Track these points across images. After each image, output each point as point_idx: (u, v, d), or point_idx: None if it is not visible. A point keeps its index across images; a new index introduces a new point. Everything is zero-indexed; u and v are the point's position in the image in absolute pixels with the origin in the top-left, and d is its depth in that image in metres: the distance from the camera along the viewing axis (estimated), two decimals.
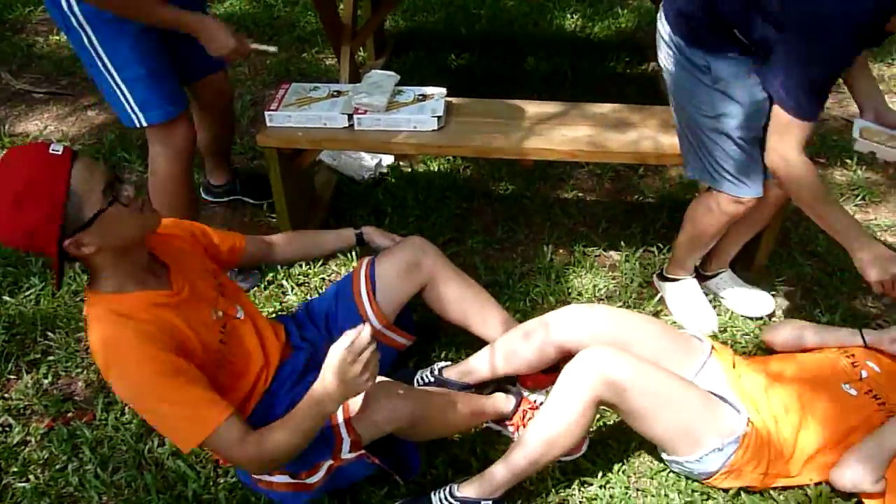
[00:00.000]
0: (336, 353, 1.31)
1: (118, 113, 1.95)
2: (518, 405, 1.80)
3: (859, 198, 2.77)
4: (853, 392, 1.68)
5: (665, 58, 1.89)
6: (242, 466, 1.49)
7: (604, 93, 2.43)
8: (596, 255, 2.47)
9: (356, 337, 1.32)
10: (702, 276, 2.29)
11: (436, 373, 1.90)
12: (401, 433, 1.60)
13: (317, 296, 2.06)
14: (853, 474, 1.60)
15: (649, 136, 2.19)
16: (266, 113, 2.22)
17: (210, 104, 2.33)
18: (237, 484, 1.73)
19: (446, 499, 1.63)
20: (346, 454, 1.51)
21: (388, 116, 2.19)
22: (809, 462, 1.66)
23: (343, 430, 1.50)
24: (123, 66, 1.84)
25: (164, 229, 1.51)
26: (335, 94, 2.30)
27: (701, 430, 1.62)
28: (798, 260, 2.45)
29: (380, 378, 1.58)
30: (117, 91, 1.88)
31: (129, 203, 1.33)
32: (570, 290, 2.32)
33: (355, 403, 1.52)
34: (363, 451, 1.51)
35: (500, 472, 1.61)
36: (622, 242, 2.49)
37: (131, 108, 1.91)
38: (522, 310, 2.22)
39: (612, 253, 2.48)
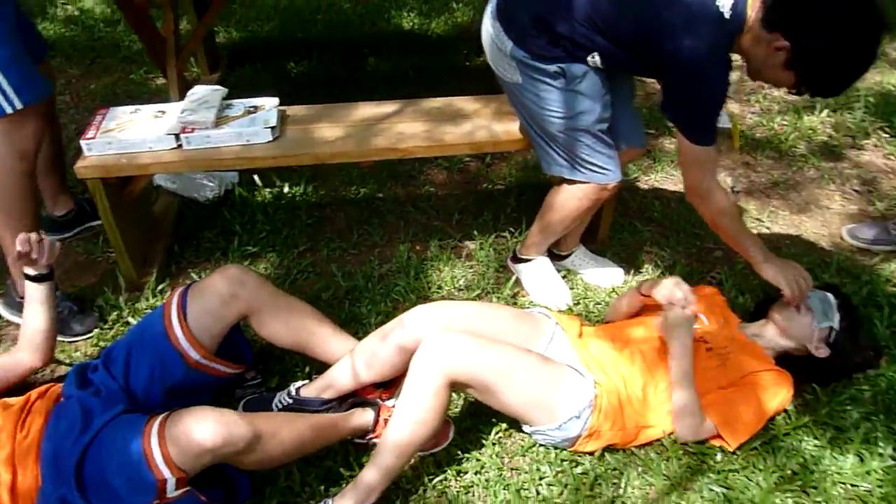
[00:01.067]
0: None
1: None
2: (378, 415, 1.78)
3: None
4: None
5: (505, 69, 1.93)
6: None
7: (445, 87, 2.46)
8: (452, 248, 2.51)
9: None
10: (557, 256, 2.39)
11: (293, 393, 1.83)
12: (237, 462, 1.53)
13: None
14: (684, 434, 1.77)
15: (484, 125, 2.25)
16: (82, 142, 2.06)
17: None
18: None
19: None
20: (173, 492, 1.42)
21: (217, 132, 2.10)
22: (661, 412, 1.78)
23: (164, 470, 1.40)
24: None
25: None
26: (159, 114, 2.18)
27: (553, 398, 1.69)
28: (638, 227, 2.61)
29: (200, 407, 1.50)
30: None
31: None
32: (429, 285, 2.33)
33: (173, 439, 1.43)
34: (189, 488, 1.44)
35: (371, 475, 1.60)
36: (475, 231, 2.54)
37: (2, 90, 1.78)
38: (384, 311, 2.21)
39: (467, 243, 2.53)
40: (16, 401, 1.59)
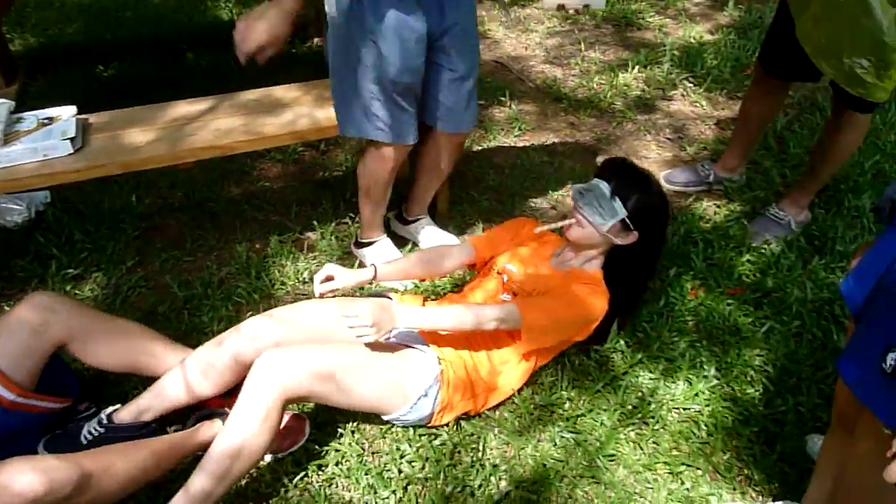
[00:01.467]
0: None
1: None
2: None
3: (517, 129, 3.09)
4: (507, 297, 1.87)
5: (329, 7, 1.86)
6: None
7: (271, 78, 2.37)
8: (293, 241, 2.45)
9: None
10: (405, 220, 2.40)
11: (104, 421, 1.67)
12: None
13: None
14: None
15: (305, 113, 2.20)
16: None
17: None
18: None
19: None
20: None
21: (7, 150, 1.91)
22: (506, 372, 1.84)
23: None
24: None
25: None
26: None
27: (400, 384, 1.69)
28: (476, 197, 2.67)
29: (12, 459, 1.36)
30: None
31: None
32: (272, 283, 2.27)
33: None
34: None
35: (199, 480, 1.48)
36: (315, 221, 2.50)
37: None
38: (227, 316, 2.13)
39: (308, 234, 2.48)
40: None
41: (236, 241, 2.42)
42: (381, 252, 2.29)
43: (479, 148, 2.98)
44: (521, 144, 3.02)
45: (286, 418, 1.76)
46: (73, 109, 2.08)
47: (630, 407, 1.90)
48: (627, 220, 1.82)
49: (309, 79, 2.44)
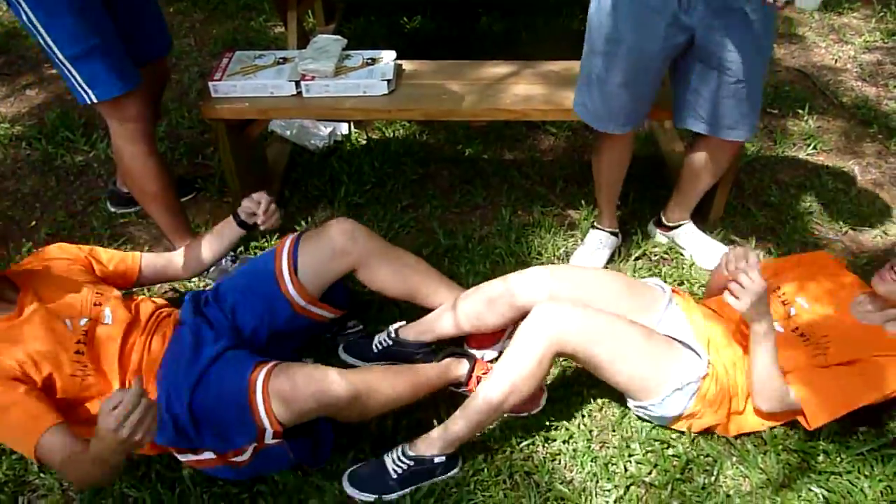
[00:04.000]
0: (103, 420, 1.21)
1: (71, 89, 1.83)
2: (472, 369, 1.79)
3: (811, 147, 2.81)
4: (780, 329, 1.71)
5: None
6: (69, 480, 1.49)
7: (560, 50, 2.39)
8: (555, 215, 2.47)
9: (119, 405, 1.20)
10: (665, 226, 2.32)
11: (392, 334, 1.89)
12: (337, 416, 1.59)
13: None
14: (762, 401, 1.63)
15: None
16: (210, 83, 2.15)
17: (145, 89, 2.13)
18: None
19: (400, 459, 1.64)
20: (270, 440, 1.53)
21: (336, 82, 2.14)
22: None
23: (266, 422, 1.50)
24: (67, 42, 1.73)
25: (42, 257, 1.68)
26: (281, 61, 2.24)
27: (662, 374, 1.65)
28: (752, 210, 2.49)
29: (306, 363, 1.59)
30: (63, 68, 1.78)
31: None
32: (529, 251, 2.32)
33: (277, 395, 1.50)
34: (283, 440, 1.53)
35: (459, 426, 1.63)
36: (581, 201, 2.49)
37: (80, 84, 1.80)
38: (483, 272, 2.22)
39: (570, 212, 2.49)
40: (144, 314, 1.70)
41: (501, 204, 2.50)
42: (594, 238, 2.26)
43: (765, 160, 2.76)
44: (813, 164, 2.74)
45: None
46: (392, 54, 2.26)
47: None
48: None
49: None
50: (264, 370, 1.54)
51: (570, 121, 2.81)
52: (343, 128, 2.78)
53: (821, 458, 1.73)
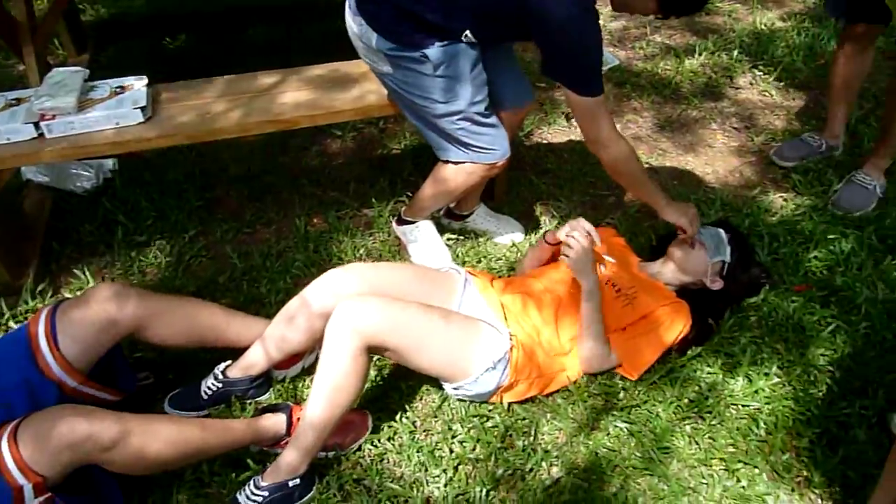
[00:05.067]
0: None
1: None
2: (291, 417, 1.70)
3: None
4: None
5: (374, 61, 1.90)
6: None
7: (329, 53, 2.37)
8: (350, 217, 2.46)
9: None
10: (458, 216, 2.39)
11: (219, 376, 1.78)
12: (104, 462, 1.42)
13: None
14: (591, 365, 1.85)
15: (373, 89, 2.19)
16: None
17: None
18: None
19: (253, 493, 1.57)
20: (32, 500, 1.34)
21: (82, 117, 1.96)
22: (569, 359, 1.84)
23: (18, 477, 1.32)
24: None
25: None
26: (14, 102, 2.02)
27: (468, 353, 1.71)
28: (534, 181, 2.64)
29: (57, 406, 1.42)
30: None
31: None
32: (329, 257, 2.29)
33: (26, 441, 1.34)
34: (50, 494, 1.35)
35: (292, 456, 1.58)
36: (373, 199, 2.50)
37: None
38: (285, 288, 2.16)
39: (365, 211, 2.49)
40: None
41: (295, 215, 2.45)
42: (420, 233, 2.27)
43: (539, 130, 2.94)
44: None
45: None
46: (144, 80, 2.12)
47: (687, 400, 1.86)
48: (727, 267, 1.96)
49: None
50: (12, 424, 1.37)
51: (353, 121, 2.82)
52: (109, 164, 2.57)
53: (621, 395, 1.88)
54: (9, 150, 1.92)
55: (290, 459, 1.59)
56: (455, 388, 1.77)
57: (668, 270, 2.02)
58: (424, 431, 1.81)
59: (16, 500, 1.32)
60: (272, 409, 1.74)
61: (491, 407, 1.83)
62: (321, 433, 1.59)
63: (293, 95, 2.16)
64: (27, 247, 2.22)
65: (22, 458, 1.31)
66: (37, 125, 1.94)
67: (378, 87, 2.20)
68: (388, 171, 2.66)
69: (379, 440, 1.77)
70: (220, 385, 1.79)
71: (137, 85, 2.09)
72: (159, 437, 1.47)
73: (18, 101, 2.02)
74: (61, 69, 2.10)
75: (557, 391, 1.88)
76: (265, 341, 1.78)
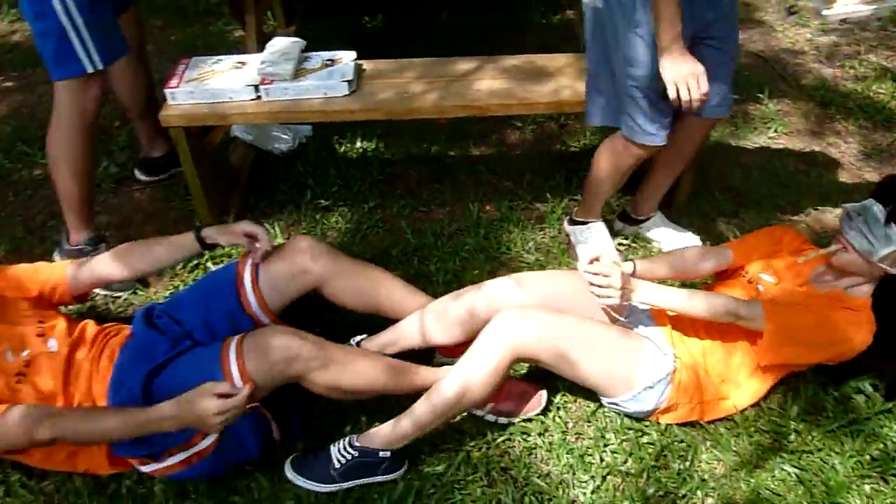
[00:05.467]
0: (205, 399, 1.39)
1: (62, 62, 1.89)
2: None
3: (772, 130, 2.85)
4: None
5: None
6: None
7: (522, 45, 2.40)
8: (522, 209, 2.47)
9: (230, 393, 1.40)
10: (633, 220, 2.33)
11: (353, 346, 1.82)
12: (308, 383, 1.57)
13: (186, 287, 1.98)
14: (725, 317, 1.62)
15: (567, 84, 2.18)
16: (166, 90, 2.11)
17: (129, 41, 2.16)
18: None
19: (345, 448, 1.63)
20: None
21: (296, 84, 2.11)
22: (736, 386, 1.73)
23: (237, 377, 1.49)
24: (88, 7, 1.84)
25: None
26: (239, 64, 2.21)
27: (628, 371, 1.66)
28: (716, 196, 2.51)
29: (278, 326, 1.60)
30: (75, 33, 1.85)
31: None
32: (498, 246, 2.32)
33: (250, 350, 1.50)
34: (257, 404, 1.52)
35: (405, 423, 1.61)
36: (547, 194, 2.50)
37: (88, 51, 1.89)
38: (453, 269, 2.21)
39: (538, 205, 2.49)
40: (90, 335, 1.68)
41: (469, 200, 2.50)
42: (589, 234, 2.23)
43: (727, 145, 2.79)
44: (774, 147, 2.78)
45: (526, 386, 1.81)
46: (352, 54, 2.24)
47: (869, 458, 1.70)
48: None
49: (554, 49, 2.41)
50: (237, 336, 1.56)
51: (534, 114, 2.82)
52: (306, 130, 2.75)
53: (792, 437, 1.75)
54: (230, 108, 2.11)
55: (390, 432, 1.62)
56: (611, 403, 1.74)
57: (830, 277, 1.72)
58: (576, 434, 1.79)
59: None
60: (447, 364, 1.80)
61: (648, 423, 1.77)
62: (433, 422, 1.62)
63: (489, 83, 2.19)
64: (230, 196, 2.44)
65: (244, 366, 1.49)
66: (256, 88, 2.11)
67: (572, 82, 2.19)
68: (564, 167, 2.63)
69: (529, 434, 1.78)
70: None
71: (346, 59, 2.22)
72: (355, 368, 1.61)
73: (243, 64, 2.21)
74: (282, 39, 2.27)
75: (721, 419, 1.78)
76: (421, 327, 1.79)
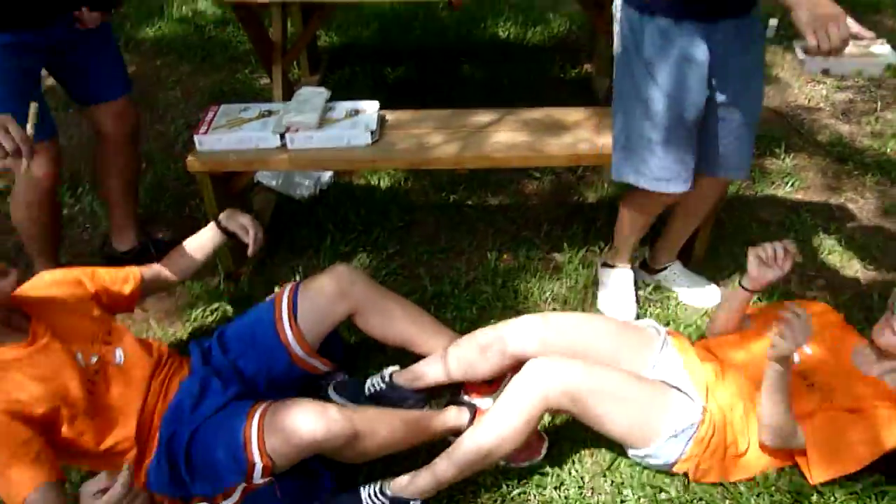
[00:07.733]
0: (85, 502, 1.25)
1: None
2: (473, 417, 1.78)
3: (789, 185, 2.86)
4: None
5: (616, 33, 1.85)
6: None
7: (540, 97, 2.45)
8: (540, 259, 2.49)
9: (108, 488, 1.23)
10: (652, 270, 2.34)
11: (386, 378, 1.88)
12: (337, 455, 1.58)
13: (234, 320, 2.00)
14: (768, 437, 1.63)
15: (585, 137, 2.22)
16: (195, 137, 2.17)
17: (110, 134, 2.24)
18: None
19: (376, 495, 1.63)
20: (259, 479, 1.50)
21: (320, 133, 2.17)
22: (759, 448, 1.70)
23: (256, 456, 1.48)
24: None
25: (46, 284, 1.62)
26: (266, 113, 2.27)
27: (655, 423, 1.65)
28: (734, 250, 2.51)
29: (301, 400, 1.58)
30: None
31: None
32: (516, 295, 2.33)
33: (272, 429, 1.50)
34: (272, 478, 1.51)
35: (441, 470, 1.61)
36: (565, 244, 2.51)
37: None
38: (469, 318, 2.22)
39: (555, 255, 2.50)
40: (161, 360, 1.71)
41: (487, 249, 2.52)
42: (612, 279, 2.25)
43: (745, 198, 2.80)
44: (792, 202, 2.79)
45: None
46: (376, 104, 2.30)
47: None
48: None
49: (572, 102, 2.45)
50: (262, 406, 1.55)
51: (552, 166, 2.86)
52: (326, 176, 2.80)
53: (814, 498, 1.71)
54: (256, 156, 2.17)
55: (423, 483, 1.62)
56: (636, 454, 1.72)
57: (872, 358, 1.72)
58: (591, 489, 1.77)
59: (248, 474, 1.49)
60: (458, 403, 1.82)
61: (668, 479, 1.75)
62: (463, 473, 1.62)
63: (508, 135, 2.24)
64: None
65: (264, 443, 1.48)
66: (282, 136, 2.17)
67: (590, 135, 2.23)
68: (582, 218, 2.66)
69: (545, 487, 1.76)
70: (383, 386, 1.88)
71: (370, 110, 2.28)
72: (379, 436, 1.61)
73: (269, 112, 2.28)
74: (308, 88, 2.33)
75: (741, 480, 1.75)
76: (447, 362, 1.83)
